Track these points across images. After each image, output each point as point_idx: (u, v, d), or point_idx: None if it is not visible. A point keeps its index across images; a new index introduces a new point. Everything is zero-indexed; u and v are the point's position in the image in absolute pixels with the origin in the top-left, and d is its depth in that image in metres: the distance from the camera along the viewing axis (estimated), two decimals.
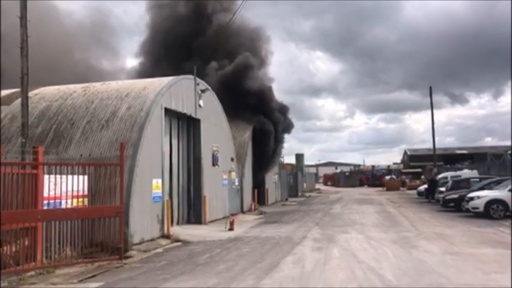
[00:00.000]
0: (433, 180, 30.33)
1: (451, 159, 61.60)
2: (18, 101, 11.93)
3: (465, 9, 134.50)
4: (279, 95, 62.31)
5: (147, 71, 27.76)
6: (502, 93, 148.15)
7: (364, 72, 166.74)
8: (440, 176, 32.32)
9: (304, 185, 48.49)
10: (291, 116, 31.65)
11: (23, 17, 10.82)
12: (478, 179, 24.27)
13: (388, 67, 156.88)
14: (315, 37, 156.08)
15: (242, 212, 22.82)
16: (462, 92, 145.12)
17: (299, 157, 52.75)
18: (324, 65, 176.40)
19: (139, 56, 33.38)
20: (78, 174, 10.02)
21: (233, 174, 22.12)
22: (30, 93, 12.16)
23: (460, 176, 28.58)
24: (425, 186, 31.91)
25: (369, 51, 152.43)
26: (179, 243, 12.90)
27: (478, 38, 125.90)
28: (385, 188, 51.25)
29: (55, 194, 9.47)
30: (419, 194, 33.39)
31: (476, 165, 36.30)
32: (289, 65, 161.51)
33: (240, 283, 7.72)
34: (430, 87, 41.00)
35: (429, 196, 29.11)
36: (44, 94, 15.51)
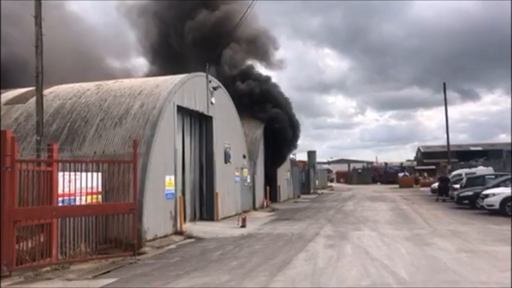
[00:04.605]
0: (443, 178, 28.54)
1: (465, 156, 60.81)
2: (33, 99, 12.08)
3: (474, 3, 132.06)
4: (289, 92, 62.34)
5: (158, 69, 28.06)
6: None
7: (373, 69, 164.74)
8: (454, 172, 31.89)
9: (317, 182, 48.38)
10: (301, 112, 31.70)
11: (38, 16, 10.93)
12: (493, 176, 23.95)
13: (397, 63, 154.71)
14: (322, 34, 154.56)
15: (254, 208, 22.85)
16: (472, 87, 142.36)
17: (311, 154, 52.52)
18: (332, 62, 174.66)
19: (148, 55, 33.75)
20: (92, 171, 10.13)
21: (245, 171, 22.15)
22: (45, 92, 12.29)
23: (474, 173, 28.19)
24: (437, 184, 30.45)
25: (377, 47, 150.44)
26: (192, 240, 12.98)
27: (487, 33, 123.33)
28: (398, 185, 50.85)
29: (69, 190, 9.59)
30: (433, 191, 32.98)
31: (492, 162, 35.76)
32: (298, 62, 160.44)
33: (253, 279, 7.72)
34: (444, 84, 40.67)
35: (442, 195, 27.38)
36: (58, 92, 15.70)
